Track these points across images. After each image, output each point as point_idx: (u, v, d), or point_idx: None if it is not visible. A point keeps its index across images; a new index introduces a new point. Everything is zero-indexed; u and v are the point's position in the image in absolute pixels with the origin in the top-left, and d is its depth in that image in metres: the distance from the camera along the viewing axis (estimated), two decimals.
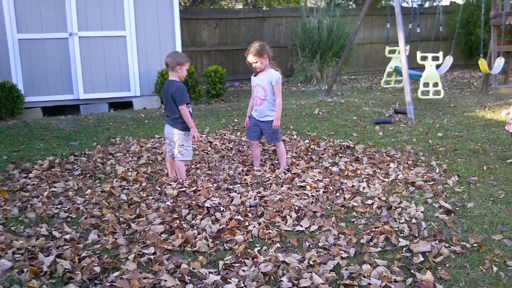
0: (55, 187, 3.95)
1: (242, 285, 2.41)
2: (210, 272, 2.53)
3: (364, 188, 3.84)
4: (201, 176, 4.21)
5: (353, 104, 7.79)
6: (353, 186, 3.89)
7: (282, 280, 2.43)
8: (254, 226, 3.10)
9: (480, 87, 9.12)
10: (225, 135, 5.81)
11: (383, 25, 11.43)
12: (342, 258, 2.68)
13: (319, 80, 10.49)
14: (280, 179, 4.08)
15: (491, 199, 3.57)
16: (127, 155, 4.98)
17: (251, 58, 4.17)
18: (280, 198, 3.58)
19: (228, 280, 2.43)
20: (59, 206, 3.53)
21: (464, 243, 2.85)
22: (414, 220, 3.18)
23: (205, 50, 11.19)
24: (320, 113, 7.06)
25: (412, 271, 2.53)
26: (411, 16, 9.32)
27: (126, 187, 3.97)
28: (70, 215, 3.37)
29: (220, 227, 3.07)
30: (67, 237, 2.95)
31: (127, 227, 3.12)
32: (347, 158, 4.70)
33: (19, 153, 5.14)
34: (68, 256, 2.67)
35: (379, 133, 5.80)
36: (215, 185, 3.93)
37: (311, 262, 2.62)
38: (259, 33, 11.44)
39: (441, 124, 6.15)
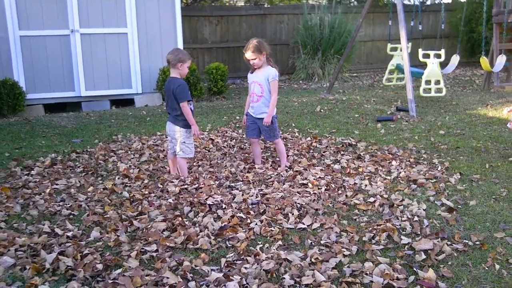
0: (57, 184, 3.95)
1: (244, 282, 2.41)
2: (212, 270, 2.54)
3: (366, 185, 3.84)
4: (203, 173, 4.21)
5: (355, 101, 7.78)
6: (355, 183, 3.89)
7: (284, 278, 2.43)
8: (256, 224, 3.10)
9: (482, 84, 9.10)
10: (226, 132, 5.81)
11: (385, 22, 11.42)
12: (344, 255, 2.68)
13: (321, 77, 10.47)
14: (282, 176, 4.08)
15: (493, 197, 3.56)
16: (129, 152, 4.98)
17: (249, 54, 4.16)
18: (282, 196, 3.58)
19: (230, 277, 2.43)
20: (61, 203, 3.54)
21: (467, 241, 2.84)
22: (416, 218, 3.18)
23: (207, 47, 11.17)
24: (321, 110, 7.06)
25: (414, 269, 2.54)
26: (413, 14, 9.31)
27: (128, 185, 3.97)
28: (72, 212, 3.37)
29: (222, 225, 3.07)
30: (69, 234, 2.96)
31: (129, 225, 3.12)
32: (349, 156, 4.69)
33: (21, 150, 5.14)
34: (70, 253, 2.68)
35: (381, 130, 5.79)
36: (217, 182, 3.93)
37: (313, 260, 2.62)
38: (261, 30, 11.41)
39: (443, 122, 6.13)
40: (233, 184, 3.90)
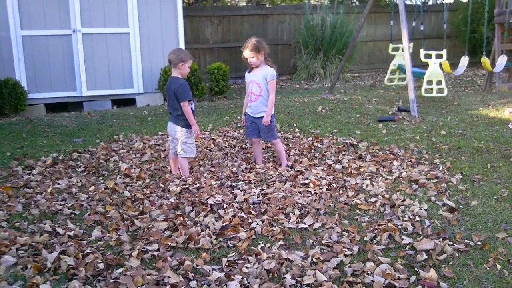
0: (58, 184, 3.95)
1: (246, 282, 2.41)
2: (213, 269, 2.54)
3: (367, 185, 3.84)
4: (204, 173, 4.21)
5: (356, 101, 7.78)
6: (356, 183, 3.89)
7: (285, 277, 2.43)
8: (258, 223, 3.10)
9: (484, 85, 9.09)
10: (228, 132, 5.81)
11: (387, 22, 11.41)
12: (346, 255, 2.68)
13: (322, 77, 10.47)
14: (283, 176, 4.08)
15: (495, 197, 3.56)
16: (131, 152, 4.98)
17: (247, 53, 4.16)
18: (283, 196, 3.58)
19: (232, 277, 2.43)
20: (62, 203, 3.54)
21: (468, 241, 2.84)
22: (417, 218, 3.18)
23: (208, 47, 11.17)
24: (323, 110, 7.05)
25: (416, 269, 2.53)
26: (415, 14, 9.30)
27: (130, 184, 3.97)
28: (73, 212, 3.37)
29: (224, 224, 3.07)
30: (70, 233, 2.96)
31: (130, 224, 3.13)
32: (350, 156, 4.69)
33: (22, 149, 5.15)
34: (71, 252, 2.68)
35: (382, 130, 5.78)
36: (218, 182, 3.93)
37: (314, 260, 2.62)
38: (262, 30, 11.41)
39: (444, 122, 6.13)
40: (234, 184, 3.90)
